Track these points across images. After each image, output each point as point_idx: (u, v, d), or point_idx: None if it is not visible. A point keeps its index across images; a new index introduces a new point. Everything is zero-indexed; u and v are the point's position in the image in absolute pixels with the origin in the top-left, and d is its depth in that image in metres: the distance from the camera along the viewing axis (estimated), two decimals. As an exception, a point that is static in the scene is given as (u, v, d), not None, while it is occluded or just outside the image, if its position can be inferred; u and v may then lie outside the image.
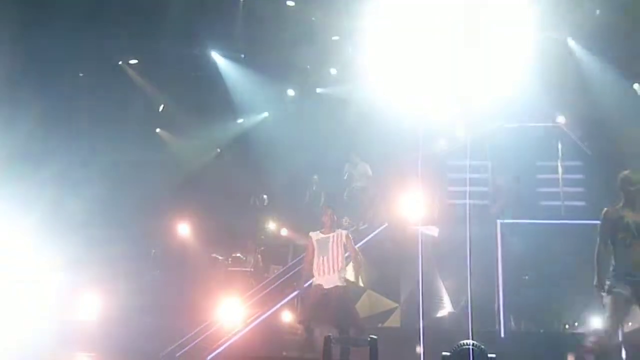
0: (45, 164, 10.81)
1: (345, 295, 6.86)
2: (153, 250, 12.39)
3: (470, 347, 4.40)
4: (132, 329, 10.56)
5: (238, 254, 12.09)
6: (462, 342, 4.42)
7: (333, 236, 7.04)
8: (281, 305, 9.99)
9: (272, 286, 10.87)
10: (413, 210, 11.16)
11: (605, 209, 5.55)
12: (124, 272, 11.93)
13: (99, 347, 9.77)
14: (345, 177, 12.61)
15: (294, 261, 11.57)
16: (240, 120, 15.47)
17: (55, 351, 9.16)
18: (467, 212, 9.06)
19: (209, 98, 14.89)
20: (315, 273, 6.94)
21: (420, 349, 9.23)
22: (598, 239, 5.49)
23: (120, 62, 14.10)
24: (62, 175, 11.24)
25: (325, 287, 6.78)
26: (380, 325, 10.29)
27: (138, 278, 11.94)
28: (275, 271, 11.89)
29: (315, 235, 7.09)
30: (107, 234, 11.53)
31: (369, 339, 4.46)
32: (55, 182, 11.04)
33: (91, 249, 11.15)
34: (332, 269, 6.86)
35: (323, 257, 6.89)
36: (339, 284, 6.83)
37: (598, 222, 5.64)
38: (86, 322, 10.76)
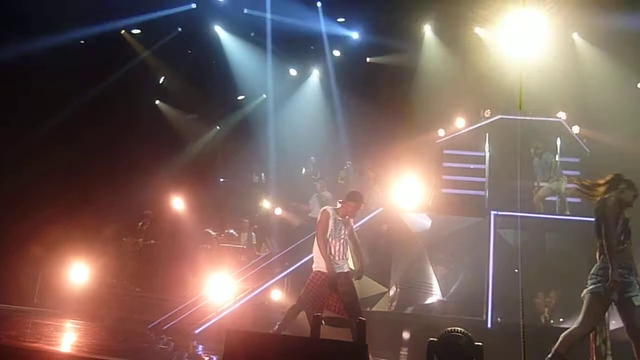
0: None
1: (351, 283, 6.56)
2: (140, 223, 12.33)
3: (457, 334, 4.41)
4: (121, 299, 10.63)
5: (231, 231, 12.10)
6: (449, 329, 4.44)
7: (346, 222, 6.67)
8: (272, 284, 10.03)
9: (264, 264, 10.88)
10: (408, 196, 11.18)
11: (613, 198, 5.40)
12: (114, 241, 11.98)
13: (87, 314, 9.85)
14: (340, 181, 12.67)
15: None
16: (241, 97, 15.40)
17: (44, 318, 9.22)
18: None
19: (210, 73, 14.82)
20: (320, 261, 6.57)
21: (407, 334, 9.36)
22: (608, 231, 5.27)
23: (122, 31, 14.01)
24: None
25: (330, 271, 6.45)
26: (369, 309, 10.33)
27: (126, 247, 11.98)
28: (268, 249, 11.91)
29: (332, 213, 6.54)
30: (99, 201, 11.57)
31: (357, 321, 4.46)
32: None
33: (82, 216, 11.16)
34: (344, 256, 6.54)
35: (336, 241, 6.49)
36: (347, 269, 6.55)
37: (593, 219, 5.57)
38: (75, 289, 10.80)
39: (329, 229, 6.49)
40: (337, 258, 6.49)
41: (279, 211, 12.79)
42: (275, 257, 10.86)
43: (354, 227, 6.90)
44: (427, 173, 11.85)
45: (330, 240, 6.51)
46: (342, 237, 6.54)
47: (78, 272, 10.83)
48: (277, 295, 10.16)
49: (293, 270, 9.92)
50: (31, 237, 10.79)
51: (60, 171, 11.62)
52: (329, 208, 6.69)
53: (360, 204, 6.69)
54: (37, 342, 6.35)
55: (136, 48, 14.07)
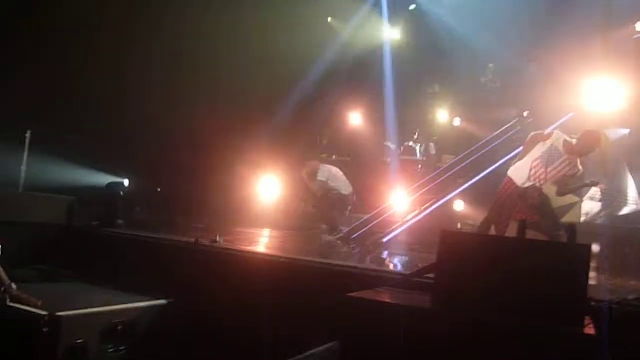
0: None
1: (543, 197, 6.46)
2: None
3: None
4: (307, 211, 11.25)
5: (410, 143, 12.11)
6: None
7: (554, 143, 6.58)
8: (455, 195, 9.99)
9: (445, 176, 10.82)
10: (601, 100, 10.29)
11: None
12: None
13: (277, 225, 10.63)
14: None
15: (468, 151, 11.32)
16: (412, 6, 14.82)
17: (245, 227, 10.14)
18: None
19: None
20: (516, 170, 6.61)
21: (597, 246, 8.89)
22: None
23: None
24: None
25: (520, 183, 6.42)
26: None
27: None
28: (448, 161, 11.76)
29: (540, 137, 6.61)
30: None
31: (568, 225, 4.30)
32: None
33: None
34: (540, 177, 6.47)
35: (539, 160, 6.48)
36: (536, 183, 6.45)
37: None
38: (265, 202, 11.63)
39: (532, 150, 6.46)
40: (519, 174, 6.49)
41: (457, 122, 12.50)
42: (457, 168, 10.73)
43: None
44: (623, 72, 10.72)
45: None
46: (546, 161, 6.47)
47: (270, 188, 11.64)
48: (461, 206, 10.10)
49: (476, 181, 9.80)
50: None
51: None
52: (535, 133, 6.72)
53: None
54: (247, 246, 7.07)
55: None
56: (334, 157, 12.69)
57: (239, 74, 11.61)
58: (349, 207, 10.43)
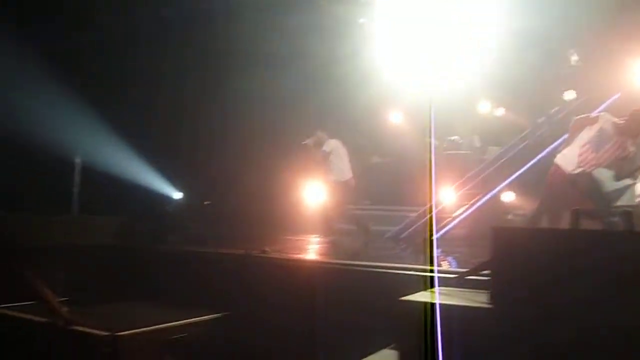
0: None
1: (594, 183, 6.27)
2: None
3: None
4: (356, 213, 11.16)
5: (454, 137, 11.92)
6: None
7: (603, 126, 6.40)
8: (503, 187, 9.79)
9: (491, 168, 10.62)
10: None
11: None
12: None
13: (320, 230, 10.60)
14: None
15: (514, 141, 11.07)
16: None
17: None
18: None
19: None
20: (564, 157, 6.44)
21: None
22: None
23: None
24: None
25: (569, 170, 6.24)
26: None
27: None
28: (493, 153, 11.54)
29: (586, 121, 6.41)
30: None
31: (624, 211, 4.15)
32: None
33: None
34: (590, 162, 6.28)
35: (588, 145, 6.30)
36: (586, 169, 6.25)
37: None
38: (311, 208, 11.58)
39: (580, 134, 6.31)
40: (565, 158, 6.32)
41: (500, 112, 12.22)
42: (504, 159, 10.52)
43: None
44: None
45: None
46: (592, 141, 6.30)
47: (316, 193, 11.58)
48: (511, 197, 9.89)
49: (525, 170, 9.59)
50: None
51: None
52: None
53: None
54: (297, 254, 7.08)
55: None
56: (375, 158, 12.59)
57: (283, 80, 11.65)
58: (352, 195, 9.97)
